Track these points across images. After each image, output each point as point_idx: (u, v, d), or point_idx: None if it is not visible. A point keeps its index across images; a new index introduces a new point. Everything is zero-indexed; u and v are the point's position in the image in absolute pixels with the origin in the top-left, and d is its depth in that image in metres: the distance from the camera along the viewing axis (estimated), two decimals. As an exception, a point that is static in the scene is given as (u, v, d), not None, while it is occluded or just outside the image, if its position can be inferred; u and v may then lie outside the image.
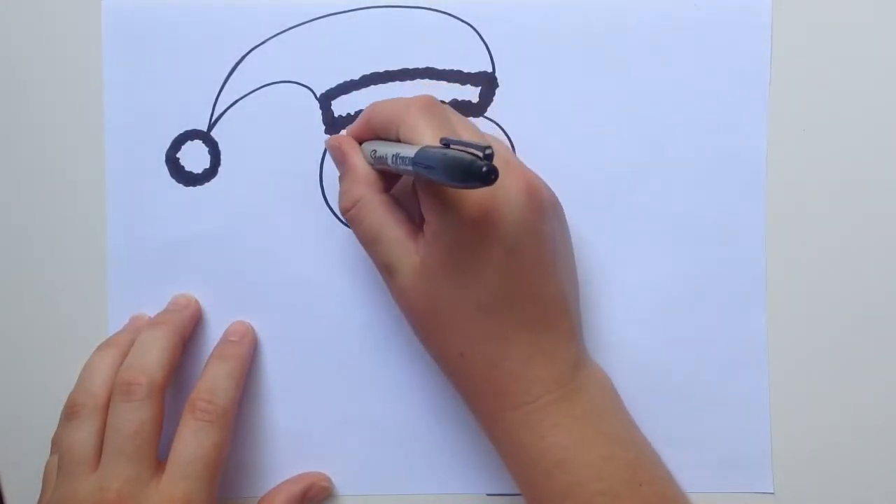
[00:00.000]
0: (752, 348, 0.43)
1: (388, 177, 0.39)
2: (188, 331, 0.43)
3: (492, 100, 0.43)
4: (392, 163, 0.36)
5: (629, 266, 0.43)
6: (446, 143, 0.34)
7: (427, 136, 0.36)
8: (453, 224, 0.36)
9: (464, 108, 0.43)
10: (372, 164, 0.39)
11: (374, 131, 0.39)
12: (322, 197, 0.44)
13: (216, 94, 0.44)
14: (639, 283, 0.43)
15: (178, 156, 0.44)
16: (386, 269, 0.38)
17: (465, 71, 0.43)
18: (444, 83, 0.43)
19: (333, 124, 0.44)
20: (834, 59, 0.43)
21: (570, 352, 0.39)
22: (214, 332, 0.44)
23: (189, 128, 0.44)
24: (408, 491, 0.44)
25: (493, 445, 0.40)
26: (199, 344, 0.44)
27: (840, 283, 0.43)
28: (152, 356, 0.40)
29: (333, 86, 0.43)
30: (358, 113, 0.43)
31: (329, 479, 0.44)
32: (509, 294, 0.37)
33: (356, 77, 0.43)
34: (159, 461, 0.39)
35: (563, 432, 0.37)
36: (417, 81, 0.43)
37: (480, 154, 0.31)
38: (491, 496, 0.44)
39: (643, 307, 0.43)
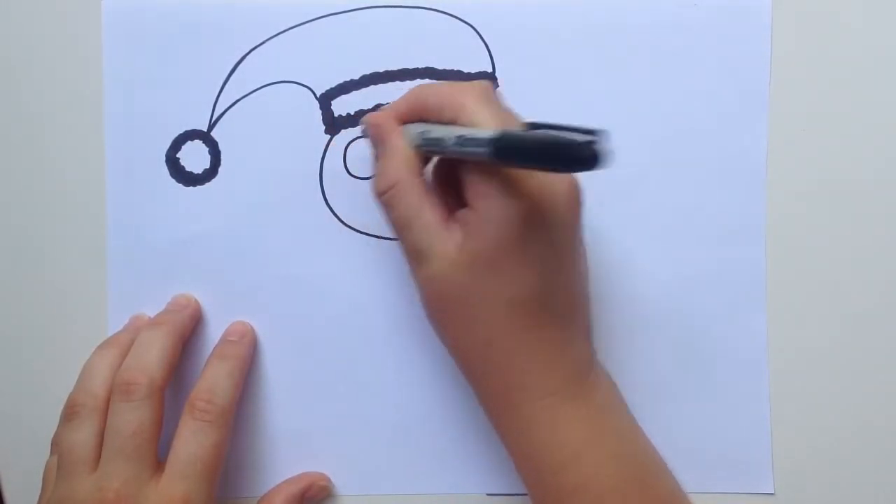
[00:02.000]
0: (752, 348, 0.43)
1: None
2: (188, 331, 0.43)
3: (492, 100, 0.43)
4: (455, 145, 0.35)
5: (629, 266, 0.43)
6: (534, 127, 0.32)
7: (490, 123, 0.35)
8: (503, 214, 0.35)
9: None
10: (415, 147, 0.38)
11: (424, 113, 0.38)
12: (322, 197, 0.44)
13: (216, 94, 0.44)
14: (639, 283, 0.43)
15: (178, 156, 0.44)
16: (417, 255, 0.37)
17: (465, 71, 0.43)
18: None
19: (333, 124, 0.44)
20: (834, 59, 0.43)
21: (585, 349, 0.39)
22: (214, 332, 0.44)
23: (189, 128, 0.44)
24: (408, 491, 0.44)
25: (501, 440, 0.39)
26: (199, 344, 0.44)
27: (840, 283, 0.43)
28: (152, 356, 0.40)
29: (333, 86, 0.43)
30: (358, 113, 0.43)
31: (328, 479, 0.44)
32: (543, 290, 0.36)
33: (356, 77, 0.43)
34: (159, 461, 0.39)
35: (575, 429, 0.37)
36: (417, 81, 0.43)
37: (583, 138, 0.30)
38: (491, 496, 0.44)
39: (643, 307, 0.43)
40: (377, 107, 0.43)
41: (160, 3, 0.43)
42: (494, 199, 0.35)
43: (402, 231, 0.38)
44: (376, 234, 0.44)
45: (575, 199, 0.36)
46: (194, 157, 0.44)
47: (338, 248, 0.44)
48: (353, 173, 0.44)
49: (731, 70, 0.43)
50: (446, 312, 0.38)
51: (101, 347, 0.42)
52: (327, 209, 0.44)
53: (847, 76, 0.43)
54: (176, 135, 0.44)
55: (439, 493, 0.44)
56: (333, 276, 0.44)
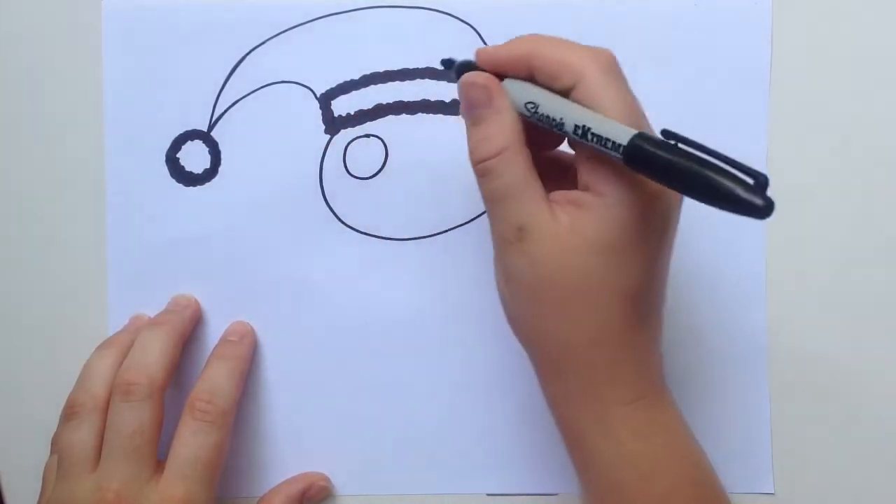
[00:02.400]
0: (752, 348, 0.43)
1: None
2: (188, 331, 0.43)
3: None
4: (575, 133, 0.32)
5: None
6: (670, 136, 0.29)
7: (615, 107, 0.32)
8: (628, 202, 0.32)
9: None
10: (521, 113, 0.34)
11: (531, 70, 0.34)
12: (322, 197, 0.44)
13: (216, 94, 0.44)
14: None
15: (178, 156, 0.44)
16: (517, 231, 0.33)
17: (465, 71, 0.43)
18: (444, 83, 0.43)
19: (333, 124, 0.44)
20: (834, 59, 0.43)
21: (661, 356, 0.37)
22: (214, 332, 0.44)
23: (189, 128, 0.44)
24: (408, 491, 0.44)
25: (570, 445, 0.37)
26: (199, 344, 0.44)
27: (840, 283, 0.43)
28: (152, 356, 0.40)
29: (333, 86, 0.43)
30: (358, 113, 0.43)
31: (328, 479, 0.44)
32: (649, 284, 0.34)
33: (356, 77, 0.43)
34: (159, 461, 0.39)
35: (662, 436, 0.35)
36: (417, 81, 0.43)
37: (751, 181, 0.26)
38: (491, 496, 0.44)
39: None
40: (377, 107, 0.43)
41: (160, 3, 0.43)
42: (619, 186, 0.32)
43: (500, 202, 0.34)
44: (376, 234, 0.44)
45: (681, 199, 0.35)
46: (194, 157, 0.44)
47: (338, 248, 0.44)
48: (352, 173, 0.44)
49: (731, 70, 0.43)
50: (547, 301, 0.34)
51: (101, 347, 0.42)
52: (327, 209, 0.44)
53: (847, 76, 0.43)
54: (176, 135, 0.44)
55: (439, 493, 0.44)
56: (333, 276, 0.44)
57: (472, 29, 0.43)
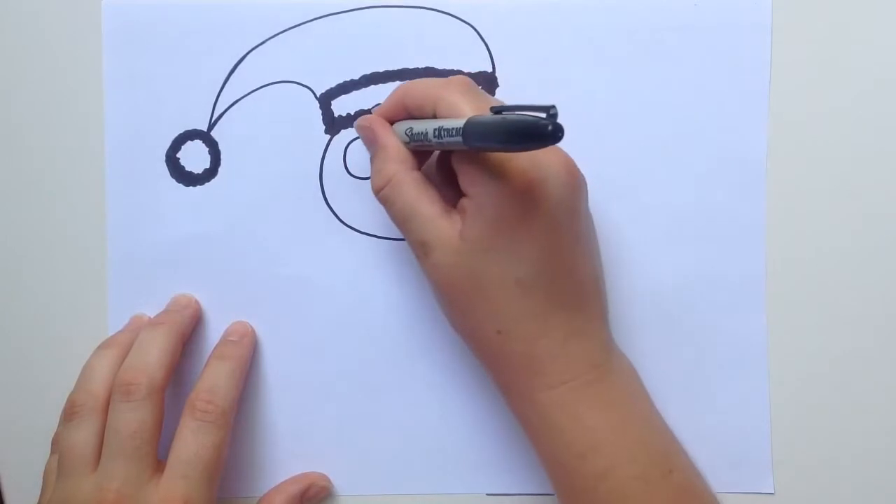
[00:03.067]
0: (752, 348, 0.43)
1: (417, 156, 0.39)
2: (188, 331, 0.43)
3: (492, 100, 0.43)
4: (435, 136, 0.36)
5: (629, 266, 0.43)
6: (498, 111, 0.33)
7: (466, 111, 0.36)
8: (496, 197, 0.35)
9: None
10: (405, 143, 0.39)
11: (407, 111, 0.39)
12: (322, 197, 0.44)
13: (216, 94, 0.44)
14: (638, 283, 0.43)
15: (178, 156, 0.44)
16: (421, 247, 0.37)
17: (465, 71, 0.43)
18: (444, 83, 0.43)
19: (333, 124, 0.44)
20: (834, 60, 0.43)
21: (603, 333, 0.39)
22: (214, 332, 0.44)
23: (189, 128, 0.44)
24: (408, 491, 0.44)
25: (523, 431, 0.39)
26: (199, 344, 0.44)
27: (840, 283, 0.43)
28: (152, 356, 0.40)
29: (333, 86, 0.43)
30: (358, 113, 0.43)
31: (328, 479, 0.44)
32: (548, 270, 0.36)
33: (356, 77, 0.43)
34: (159, 461, 0.39)
35: (598, 414, 0.37)
36: (417, 81, 0.43)
37: (543, 114, 0.31)
38: (491, 496, 0.44)
39: (643, 307, 0.43)
40: (377, 107, 0.43)
41: (160, 3, 0.43)
42: (486, 184, 0.36)
43: (403, 225, 0.38)
44: (376, 233, 0.44)
45: (574, 179, 0.36)
46: (194, 157, 0.44)
47: (338, 248, 0.44)
48: (353, 173, 0.44)
49: (731, 70, 0.43)
50: (457, 302, 0.38)
51: (101, 347, 0.42)
52: (327, 209, 0.44)
53: (847, 76, 0.43)
54: (176, 135, 0.44)
55: (439, 493, 0.44)
56: (333, 276, 0.44)
57: (472, 29, 0.43)
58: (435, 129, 0.36)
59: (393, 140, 0.39)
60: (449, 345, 0.43)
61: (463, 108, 0.36)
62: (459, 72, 0.43)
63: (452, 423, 0.44)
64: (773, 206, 0.43)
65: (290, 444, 0.44)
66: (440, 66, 0.43)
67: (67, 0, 0.44)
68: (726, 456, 0.43)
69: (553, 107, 0.31)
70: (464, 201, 0.37)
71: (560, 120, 0.31)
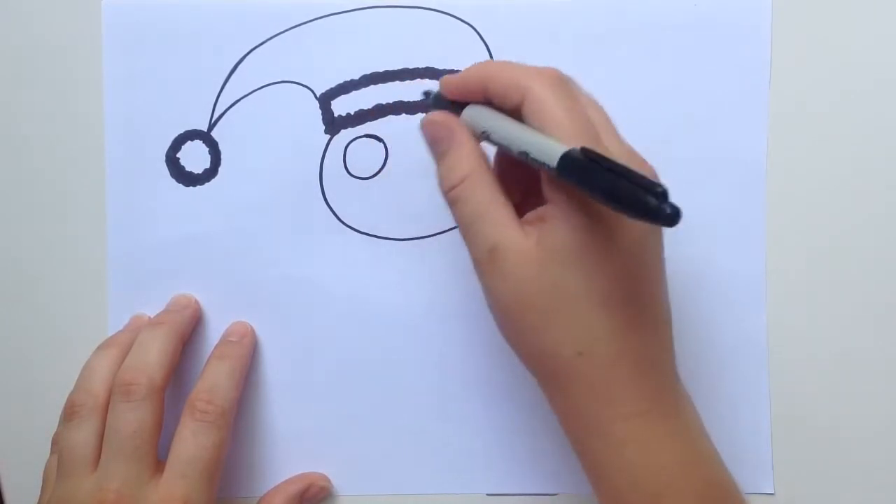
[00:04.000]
0: (752, 348, 0.43)
1: None
2: (188, 331, 0.43)
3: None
4: (520, 157, 0.33)
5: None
6: (592, 157, 0.31)
7: (562, 121, 0.33)
8: (585, 205, 0.33)
9: (464, 108, 0.43)
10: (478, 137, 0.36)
11: (486, 94, 0.36)
12: (322, 197, 0.44)
13: (216, 94, 0.44)
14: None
15: (178, 156, 0.44)
16: (490, 253, 0.34)
17: (465, 71, 0.43)
18: (443, 83, 0.43)
19: (333, 124, 0.44)
20: (834, 60, 0.43)
21: (671, 363, 0.36)
22: (214, 332, 0.44)
23: (189, 128, 0.44)
24: (407, 491, 0.44)
25: (582, 464, 0.36)
26: (199, 344, 0.44)
27: (840, 283, 0.43)
28: (152, 356, 0.40)
29: (333, 86, 0.43)
30: (358, 113, 0.43)
31: (328, 479, 0.44)
32: (632, 289, 0.34)
33: (356, 77, 0.43)
34: (159, 461, 0.39)
35: (670, 452, 0.34)
36: (417, 81, 0.43)
37: (653, 196, 0.29)
38: (491, 496, 0.44)
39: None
40: (377, 107, 0.43)
41: (160, 4, 0.43)
42: (573, 191, 0.33)
43: (474, 225, 0.35)
44: (376, 234, 0.44)
45: None
46: (194, 157, 0.44)
47: (338, 248, 0.44)
48: (352, 173, 0.44)
49: (731, 70, 0.43)
50: (528, 319, 0.34)
51: (101, 347, 0.42)
52: (327, 209, 0.44)
53: (847, 76, 0.43)
54: (176, 135, 0.44)
55: (439, 493, 0.44)
56: (333, 276, 0.44)
57: (472, 29, 0.43)
58: (520, 152, 0.33)
59: (471, 140, 0.36)
60: (449, 344, 0.43)
61: (557, 115, 0.33)
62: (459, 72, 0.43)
63: (452, 423, 0.44)
64: (773, 206, 0.43)
65: (290, 444, 0.44)
66: (440, 66, 0.43)
67: (67, 0, 0.44)
68: (726, 456, 0.43)
69: (662, 187, 0.29)
70: (549, 209, 0.34)
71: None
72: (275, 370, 0.44)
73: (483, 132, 0.35)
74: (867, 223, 0.43)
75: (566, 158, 0.31)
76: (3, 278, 0.45)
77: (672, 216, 0.28)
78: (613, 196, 0.29)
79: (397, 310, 0.44)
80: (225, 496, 0.44)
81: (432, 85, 0.43)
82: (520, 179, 0.37)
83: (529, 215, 0.35)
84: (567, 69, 0.43)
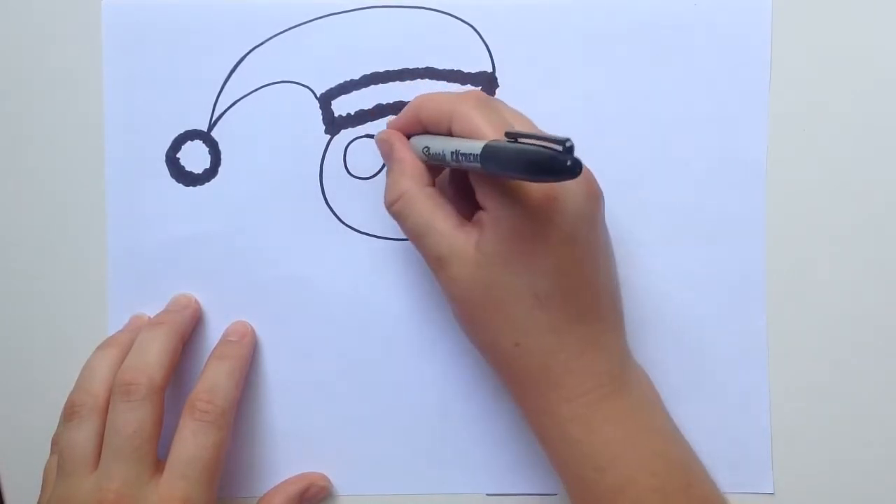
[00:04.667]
0: (752, 348, 0.43)
1: (430, 169, 0.39)
2: (188, 331, 0.43)
3: (492, 100, 0.43)
4: (452, 159, 0.36)
5: (629, 266, 0.43)
6: (513, 138, 0.33)
7: (484, 128, 0.36)
8: (514, 211, 0.35)
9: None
10: (422, 159, 0.39)
11: (422, 125, 0.39)
12: (322, 197, 0.44)
13: (216, 94, 0.44)
14: (638, 283, 0.43)
15: (178, 156, 0.44)
16: (437, 261, 0.37)
17: (465, 71, 0.43)
18: (444, 83, 0.43)
19: (333, 124, 0.44)
20: (834, 59, 0.43)
21: (619, 345, 0.39)
22: (214, 332, 0.44)
23: (189, 128, 0.44)
24: (407, 491, 0.44)
25: (539, 443, 0.39)
26: (199, 344, 0.44)
27: (840, 283, 0.43)
28: (152, 356, 0.40)
29: (333, 86, 0.43)
30: (358, 113, 0.43)
31: (328, 479, 0.44)
32: (566, 283, 0.36)
33: (356, 77, 0.43)
34: (159, 461, 0.39)
35: (615, 427, 0.37)
36: (417, 81, 0.43)
37: (560, 147, 0.31)
38: (491, 496, 0.44)
39: (643, 306, 0.43)
40: (377, 107, 0.43)
41: (160, 3, 0.43)
42: (503, 197, 0.36)
43: (418, 240, 0.38)
44: (376, 234, 0.44)
45: (592, 191, 0.37)
46: (194, 157, 0.44)
47: (338, 248, 0.44)
48: (353, 173, 0.44)
49: (731, 70, 0.43)
50: (474, 315, 0.38)
51: (101, 347, 0.42)
52: (327, 209, 0.44)
53: (847, 76, 0.43)
54: (176, 135, 0.44)
55: (439, 493, 0.44)
56: (333, 276, 0.44)
57: (472, 29, 0.43)
58: (452, 153, 0.36)
59: (408, 155, 0.39)
60: (449, 344, 0.43)
61: (479, 124, 0.36)
62: (459, 72, 0.43)
63: (452, 423, 0.44)
64: (773, 206, 0.43)
65: (289, 444, 0.44)
66: (440, 66, 0.43)
67: (67, 0, 0.44)
68: (726, 456, 0.43)
69: (568, 140, 0.31)
70: (481, 214, 0.37)
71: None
72: (275, 370, 0.44)
73: (424, 148, 0.38)
74: (867, 223, 0.43)
75: (487, 147, 0.33)
76: (3, 278, 0.45)
77: (573, 167, 0.30)
78: (529, 166, 0.31)
79: (397, 310, 0.44)
80: (225, 496, 0.44)
81: (432, 84, 0.43)
82: (471, 194, 0.39)
83: (475, 216, 0.37)
84: (567, 69, 0.43)
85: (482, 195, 0.37)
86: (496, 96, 0.43)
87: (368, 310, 0.44)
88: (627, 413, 0.38)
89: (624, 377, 0.38)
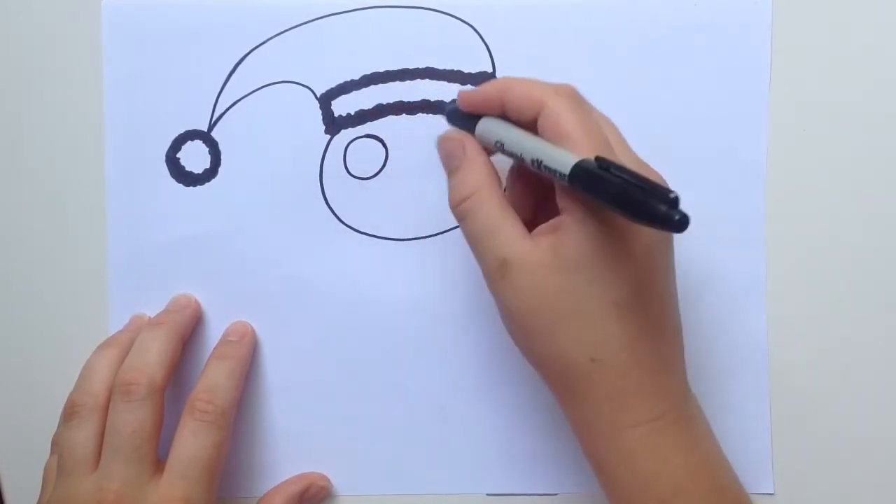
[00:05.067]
0: (752, 348, 0.43)
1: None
2: (188, 331, 0.43)
3: (492, 100, 0.43)
4: (533, 166, 0.34)
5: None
6: (605, 166, 0.31)
7: (574, 135, 0.34)
8: (599, 213, 0.33)
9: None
10: (489, 150, 0.37)
11: (503, 108, 0.36)
12: (322, 197, 0.44)
13: (216, 94, 0.44)
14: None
15: (178, 156, 0.44)
16: (501, 266, 0.35)
17: (465, 71, 0.43)
18: (444, 83, 0.43)
19: (333, 124, 0.44)
20: (834, 59, 0.43)
21: (682, 369, 0.37)
22: (214, 332, 0.44)
23: (189, 128, 0.44)
24: (407, 491, 0.44)
25: (592, 467, 0.37)
26: (199, 344, 0.44)
27: (840, 283, 0.43)
28: (152, 356, 0.40)
29: (333, 86, 0.43)
30: (358, 113, 0.43)
31: (328, 479, 0.44)
32: (644, 295, 0.34)
33: (356, 77, 0.43)
34: (159, 461, 0.39)
35: (681, 457, 0.35)
36: (417, 81, 0.43)
37: (666, 196, 0.29)
38: (491, 496, 0.44)
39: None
40: (377, 107, 0.43)
41: (160, 3, 0.43)
42: (587, 203, 0.34)
43: (481, 241, 0.36)
44: (376, 234, 0.44)
45: None
46: (194, 157, 0.44)
47: (338, 248, 0.44)
48: (353, 173, 0.44)
49: (731, 70, 0.43)
50: (541, 326, 0.35)
51: (101, 347, 0.42)
52: (327, 209, 0.44)
53: (847, 76, 0.43)
54: (176, 135, 0.44)
55: (439, 493, 0.44)
56: (333, 276, 0.44)
57: (472, 29, 0.43)
58: (533, 160, 0.34)
59: (482, 156, 0.37)
60: (449, 345, 0.43)
61: (569, 131, 0.34)
62: (459, 72, 0.43)
63: (452, 423, 0.44)
64: (773, 206, 0.43)
65: (289, 444, 0.44)
66: (440, 66, 0.43)
67: (67, 0, 0.44)
68: (726, 456, 0.43)
69: (675, 193, 0.29)
70: (563, 219, 0.34)
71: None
72: (275, 370, 0.44)
73: (497, 142, 0.36)
74: (867, 223, 0.43)
75: (578, 168, 0.32)
76: (3, 278, 0.45)
77: (681, 222, 0.29)
78: (624, 203, 0.30)
79: (397, 310, 0.44)
80: (225, 496, 0.44)
81: (432, 84, 0.43)
82: (531, 194, 0.38)
83: (542, 227, 0.35)
84: (567, 69, 0.43)
85: (565, 200, 0.34)
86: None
87: (368, 310, 0.44)
88: (693, 443, 0.36)
89: (688, 404, 0.36)
